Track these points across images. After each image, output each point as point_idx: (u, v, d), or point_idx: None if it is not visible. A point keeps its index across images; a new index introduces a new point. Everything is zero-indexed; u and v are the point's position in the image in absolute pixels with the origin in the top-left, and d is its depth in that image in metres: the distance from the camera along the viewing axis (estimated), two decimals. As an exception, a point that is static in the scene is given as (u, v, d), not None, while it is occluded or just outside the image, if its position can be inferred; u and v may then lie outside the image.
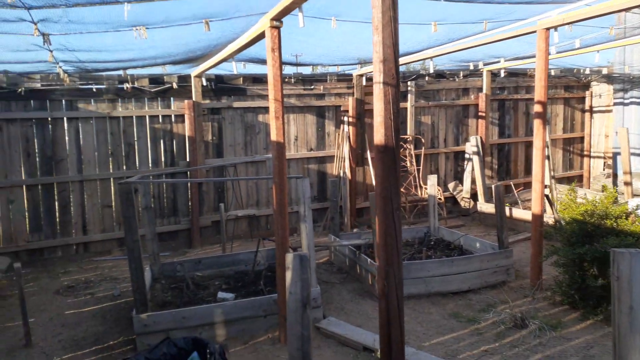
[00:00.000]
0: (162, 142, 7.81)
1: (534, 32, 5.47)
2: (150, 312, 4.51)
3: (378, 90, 2.67)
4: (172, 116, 7.80)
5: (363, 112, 8.71)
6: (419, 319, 4.92)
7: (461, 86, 9.57)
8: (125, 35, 4.10)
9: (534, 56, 7.70)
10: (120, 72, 6.87)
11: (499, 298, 5.35)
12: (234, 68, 5.75)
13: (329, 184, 8.71)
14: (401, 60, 7.14)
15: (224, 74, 7.94)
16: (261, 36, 4.44)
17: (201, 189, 7.97)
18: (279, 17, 4.05)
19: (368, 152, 8.77)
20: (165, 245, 7.68)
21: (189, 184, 7.88)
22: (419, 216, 9.00)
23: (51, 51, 4.28)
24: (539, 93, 5.51)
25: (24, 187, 7.04)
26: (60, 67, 5.15)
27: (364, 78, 8.58)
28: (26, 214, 7.11)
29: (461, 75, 9.47)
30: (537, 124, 5.60)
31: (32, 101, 6.97)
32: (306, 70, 8.29)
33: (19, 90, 6.75)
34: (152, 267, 5.90)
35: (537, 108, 5.60)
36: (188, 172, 7.81)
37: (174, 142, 7.87)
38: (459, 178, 9.72)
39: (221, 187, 8.16)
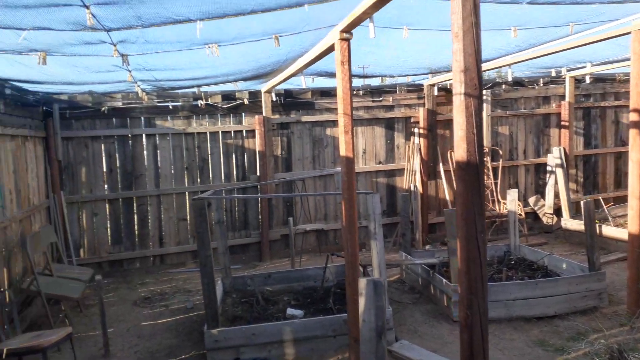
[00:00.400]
0: (234, 156, 7.97)
1: (628, 33, 4.97)
2: (221, 328, 4.51)
3: (459, 102, 2.46)
4: (244, 131, 7.94)
5: (435, 123, 8.39)
6: (500, 346, 4.55)
7: (541, 94, 8.97)
8: (198, 54, 4.18)
9: (626, 59, 7.09)
10: (195, 89, 7.09)
11: (590, 326, 4.85)
12: (303, 82, 5.73)
13: (398, 198, 8.46)
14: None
15: (293, 88, 7.98)
16: (330, 49, 4.36)
17: (271, 203, 8.01)
18: (348, 29, 3.94)
19: (441, 165, 8.42)
20: (236, 258, 7.77)
21: (259, 198, 7.96)
22: (497, 233, 8.48)
23: (130, 71, 4.46)
24: (635, 100, 4.98)
25: (107, 201, 7.43)
26: (139, 86, 5.38)
27: (435, 88, 8.28)
28: (108, 226, 7.49)
29: (541, 82, 8.88)
30: (633, 134, 5.05)
31: (114, 119, 7.37)
32: (374, 82, 8.13)
33: (103, 109, 7.17)
34: (224, 281, 5.96)
35: (632, 117, 5.06)
36: (258, 186, 7.89)
37: (245, 156, 7.99)
38: (540, 192, 9.08)
39: (290, 201, 8.16)
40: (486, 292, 2.55)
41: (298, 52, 4.93)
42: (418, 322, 5.20)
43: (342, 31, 3.95)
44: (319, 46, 4.56)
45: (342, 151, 4.19)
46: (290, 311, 5.22)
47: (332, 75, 6.60)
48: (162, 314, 5.85)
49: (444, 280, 5.36)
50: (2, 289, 4.49)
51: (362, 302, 2.27)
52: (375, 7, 3.47)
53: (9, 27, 2.78)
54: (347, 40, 4.00)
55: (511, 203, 6.68)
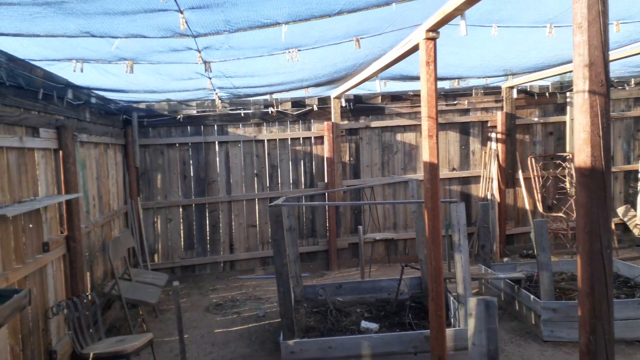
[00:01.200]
0: (302, 163, 7.91)
1: None
2: (297, 339, 4.39)
3: (582, 101, 2.19)
4: (312, 138, 7.87)
5: (514, 128, 7.92)
6: (602, 373, 4.11)
7: (632, 95, 8.26)
8: (278, 59, 4.11)
9: None
10: (267, 96, 7.10)
11: None
12: (378, 86, 5.55)
13: (474, 207, 8.07)
14: (563, 68, 6.34)
15: (363, 93, 7.82)
16: (412, 50, 4.16)
17: (338, 211, 7.87)
18: (435, 28, 3.73)
19: (520, 172, 7.93)
20: (303, 266, 7.66)
21: (326, 206, 7.85)
22: (582, 245, 7.84)
23: (210, 78, 4.47)
24: None
25: (180, 206, 7.58)
26: (217, 93, 5.42)
27: (514, 90, 7.83)
28: (181, 232, 7.63)
29: (632, 82, 8.18)
30: None
31: (188, 127, 7.53)
32: (447, 85, 7.81)
33: (178, 117, 7.34)
34: (295, 289, 5.85)
35: None
36: (326, 193, 7.78)
37: (313, 163, 7.91)
38: (630, 201, 8.34)
39: (358, 208, 7.98)
40: (612, 316, 2.25)
41: (376, 55, 4.77)
42: (503, 340, 4.82)
43: (429, 30, 3.74)
44: (400, 47, 4.36)
45: (426, 157, 3.98)
46: (364, 324, 5.03)
47: (406, 78, 6.39)
48: (234, 322, 5.84)
49: (532, 296, 4.96)
50: (87, 293, 4.61)
51: (471, 323, 2.04)
52: (469, 3, 3.24)
53: (105, 35, 2.81)
54: (433, 39, 3.79)
55: (603, 214, 6.13)
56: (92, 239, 5.45)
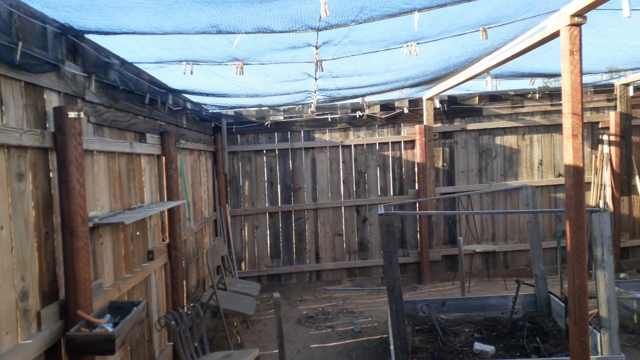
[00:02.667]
0: (390, 169, 7.51)
1: None
2: (410, 362, 3.99)
3: None
4: (402, 142, 7.45)
5: (629, 129, 7.10)
6: None
7: None
8: (392, 55, 3.76)
9: None
10: (358, 99, 6.76)
11: None
12: (489, 84, 5.06)
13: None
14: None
15: (458, 94, 7.32)
16: (547, 39, 3.68)
17: (430, 220, 7.38)
18: (582, 12, 3.25)
19: (636, 179, 7.08)
20: (394, 279, 7.25)
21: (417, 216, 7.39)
22: None
23: (316, 79, 4.19)
24: None
25: (267, 214, 7.41)
26: (316, 95, 5.15)
27: (630, 88, 7.02)
28: (267, 240, 7.46)
29: None
30: None
31: (275, 133, 7.36)
32: (554, 83, 7.14)
33: (266, 123, 7.18)
34: (393, 305, 5.44)
35: None
36: (417, 203, 7.32)
37: (403, 169, 7.49)
38: None
39: (452, 218, 7.45)
40: None
41: (494, 47, 4.30)
42: (648, 373, 4.17)
43: (574, 15, 3.27)
44: (530, 37, 3.88)
45: (569, 159, 3.48)
46: (478, 346, 4.53)
47: (513, 76, 5.84)
48: (329, 336, 5.52)
49: (684, 322, 4.26)
50: (189, 304, 4.46)
51: None
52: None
53: (231, 30, 2.58)
54: (579, 25, 3.31)
55: None
56: (188, 247, 5.35)
